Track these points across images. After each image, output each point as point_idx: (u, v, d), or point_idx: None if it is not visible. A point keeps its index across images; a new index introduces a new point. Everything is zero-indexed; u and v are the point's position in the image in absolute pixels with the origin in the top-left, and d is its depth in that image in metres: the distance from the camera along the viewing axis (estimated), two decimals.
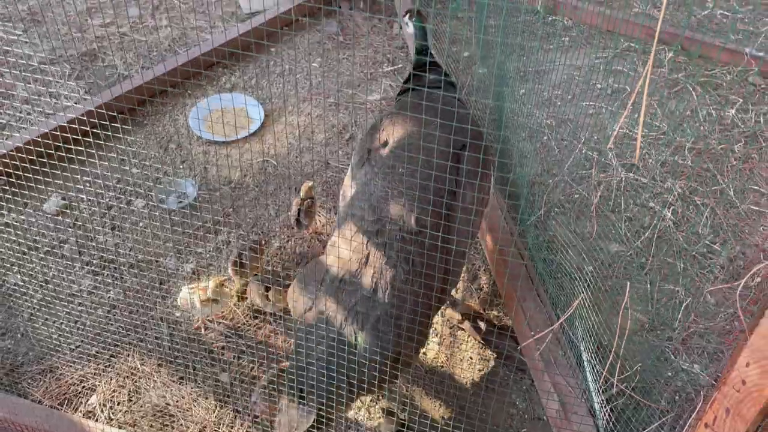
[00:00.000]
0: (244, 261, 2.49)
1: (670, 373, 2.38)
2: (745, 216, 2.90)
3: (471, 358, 2.47)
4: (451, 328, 2.54)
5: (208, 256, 2.77)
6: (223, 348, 2.44)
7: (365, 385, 1.90)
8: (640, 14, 4.12)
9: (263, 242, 2.63)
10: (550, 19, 4.07)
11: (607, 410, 2.02)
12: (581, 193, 2.97)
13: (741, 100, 3.45)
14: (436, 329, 2.53)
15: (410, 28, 2.51)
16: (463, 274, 2.70)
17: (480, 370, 2.44)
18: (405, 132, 2.19)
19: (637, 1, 4.25)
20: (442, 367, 2.44)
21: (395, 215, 2.01)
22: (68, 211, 2.91)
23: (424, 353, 2.46)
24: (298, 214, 2.73)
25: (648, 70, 1.22)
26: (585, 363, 2.13)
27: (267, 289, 2.47)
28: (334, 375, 1.87)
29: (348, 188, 2.20)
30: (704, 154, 3.17)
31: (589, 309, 2.10)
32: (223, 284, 2.42)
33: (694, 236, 2.82)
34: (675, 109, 3.42)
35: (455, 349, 2.48)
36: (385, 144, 2.20)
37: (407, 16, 2.51)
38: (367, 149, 2.22)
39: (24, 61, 3.57)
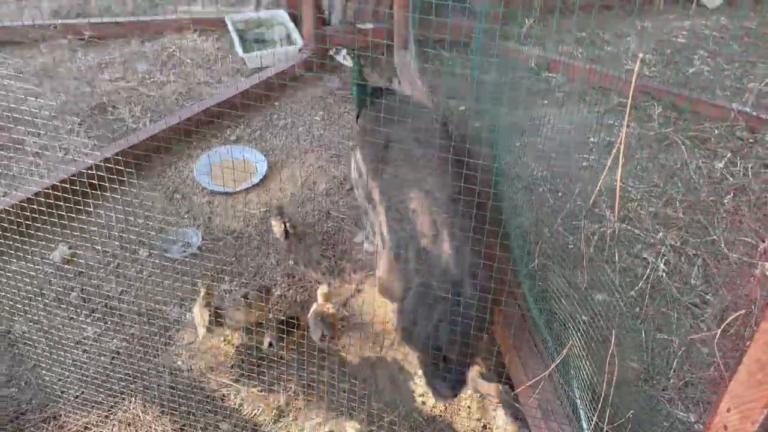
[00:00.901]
0: (250, 300, 2.55)
1: (666, 423, 2.41)
2: (736, 266, 2.97)
3: (469, 407, 2.50)
4: None
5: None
6: (223, 397, 2.47)
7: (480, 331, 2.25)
8: (630, 71, 4.28)
9: (268, 289, 2.69)
10: (543, 75, 4.23)
11: None
12: (575, 243, 3.05)
13: (729, 153, 3.57)
14: None
15: (348, 62, 2.75)
16: None
17: (478, 419, 2.46)
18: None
19: (627, 58, 4.43)
20: (441, 416, 2.47)
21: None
22: (74, 259, 2.97)
23: (423, 402, 2.49)
24: (285, 231, 2.96)
25: (623, 129, 1.31)
26: (580, 411, 2.16)
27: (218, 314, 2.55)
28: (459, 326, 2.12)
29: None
30: (695, 206, 3.26)
31: (583, 357, 2.15)
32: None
33: (686, 286, 2.88)
34: (665, 162, 3.53)
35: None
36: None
37: (345, 51, 2.74)
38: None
39: (36, 113, 3.69)
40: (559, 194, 3.34)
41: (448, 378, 2.22)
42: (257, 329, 2.54)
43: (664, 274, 2.92)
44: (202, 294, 2.57)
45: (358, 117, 3.08)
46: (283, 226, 2.98)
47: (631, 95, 1.49)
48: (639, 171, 3.46)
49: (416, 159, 2.49)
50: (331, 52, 2.89)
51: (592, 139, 3.75)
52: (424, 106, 3.01)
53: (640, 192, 3.34)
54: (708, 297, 2.83)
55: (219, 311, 2.58)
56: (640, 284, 2.86)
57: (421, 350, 2.29)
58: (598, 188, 2.49)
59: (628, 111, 1.35)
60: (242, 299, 2.56)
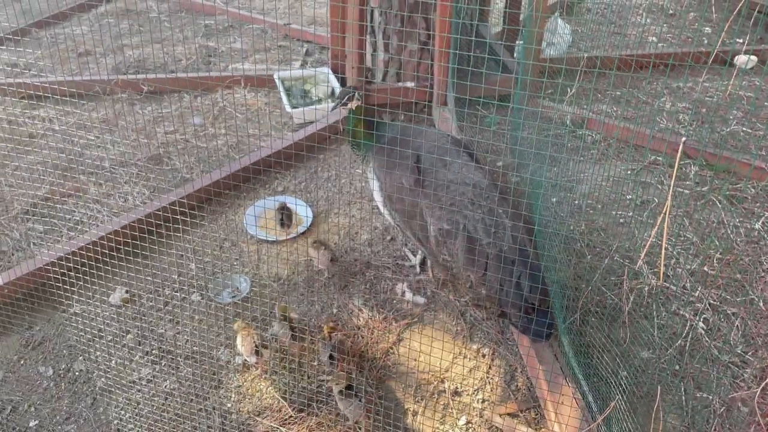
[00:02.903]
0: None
1: None
2: None
3: None
4: (489, 429, 2.62)
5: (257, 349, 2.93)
6: None
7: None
8: (665, 130, 4.38)
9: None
10: (579, 132, 4.36)
11: None
12: (613, 299, 3.10)
13: (767, 213, 3.61)
14: (474, 429, 2.62)
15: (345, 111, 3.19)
16: (500, 377, 2.81)
17: None
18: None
19: (662, 117, 4.53)
20: None
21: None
22: (131, 303, 3.13)
23: None
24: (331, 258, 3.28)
25: (670, 191, 1.41)
26: None
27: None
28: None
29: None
30: (733, 265, 3.29)
31: (625, 413, 2.19)
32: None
33: (725, 345, 2.90)
34: (703, 221, 3.58)
35: None
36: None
37: (347, 98, 3.11)
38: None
39: (97, 163, 3.94)
40: (597, 250, 3.41)
41: (539, 323, 2.70)
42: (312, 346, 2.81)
43: (703, 332, 2.95)
44: (238, 326, 2.86)
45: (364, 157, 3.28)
46: (325, 251, 3.25)
47: (677, 164, 1.59)
48: (675, 228, 3.52)
49: (446, 163, 2.98)
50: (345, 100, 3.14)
51: (628, 196, 3.84)
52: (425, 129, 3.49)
53: (676, 249, 3.40)
54: (748, 356, 2.84)
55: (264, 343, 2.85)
56: (679, 341, 2.89)
57: (512, 306, 2.74)
58: (646, 248, 2.57)
59: (674, 176, 1.44)
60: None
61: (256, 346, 2.81)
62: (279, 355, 2.84)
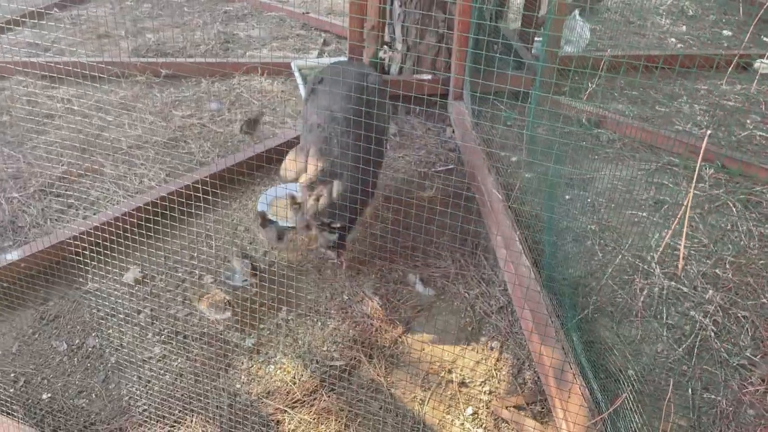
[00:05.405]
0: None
1: None
2: None
3: None
4: (495, 419, 2.64)
5: (267, 332, 2.96)
6: (278, 422, 2.58)
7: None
8: (681, 131, 4.36)
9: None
10: (595, 131, 4.35)
11: None
12: (624, 297, 3.11)
13: None
14: (480, 420, 2.63)
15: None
16: (507, 369, 2.83)
17: None
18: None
19: (678, 118, 4.52)
20: None
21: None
22: (144, 283, 3.16)
23: None
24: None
25: (689, 194, 1.42)
26: None
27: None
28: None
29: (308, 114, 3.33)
30: (745, 268, 3.29)
31: (633, 410, 2.20)
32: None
33: (735, 348, 2.90)
34: (716, 224, 3.57)
35: None
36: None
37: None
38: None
39: (114, 144, 3.97)
40: (608, 248, 3.41)
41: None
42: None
43: (712, 334, 2.95)
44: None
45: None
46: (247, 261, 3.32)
47: (698, 167, 1.59)
48: (688, 230, 3.51)
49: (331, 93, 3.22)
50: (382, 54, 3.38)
51: (642, 196, 3.83)
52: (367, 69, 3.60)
53: (688, 250, 3.39)
54: (757, 359, 2.84)
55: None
56: (688, 341, 2.89)
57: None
58: (662, 246, 2.57)
59: (695, 180, 1.45)
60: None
61: (221, 302, 2.94)
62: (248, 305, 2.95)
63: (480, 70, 3.91)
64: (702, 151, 1.97)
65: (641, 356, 2.81)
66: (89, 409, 2.61)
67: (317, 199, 3.05)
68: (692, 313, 3.06)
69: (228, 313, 2.98)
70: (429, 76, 4.59)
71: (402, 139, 4.30)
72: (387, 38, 4.67)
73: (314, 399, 2.67)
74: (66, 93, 4.58)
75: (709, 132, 2.24)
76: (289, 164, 3.24)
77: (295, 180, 3.19)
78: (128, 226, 3.31)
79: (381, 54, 3.61)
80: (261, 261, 3.33)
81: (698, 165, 1.46)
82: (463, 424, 2.63)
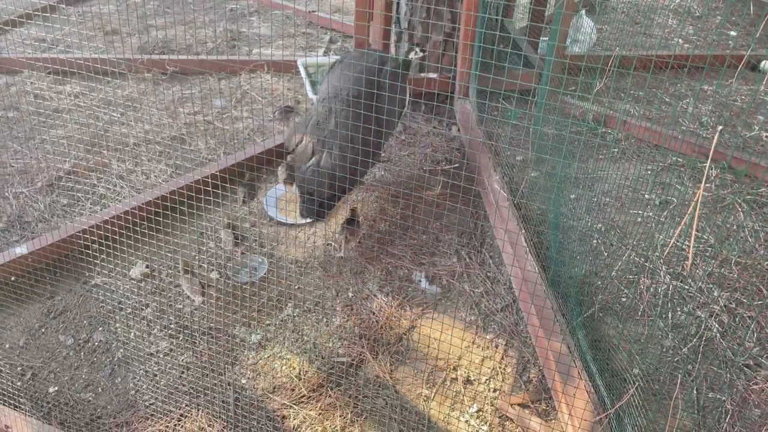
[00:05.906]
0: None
1: None
2: None
3: None
4: (500, 417, 2.65)
5: (273, 328, 2.97)
6: (283, 417, 2.59)
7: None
8: (687, 131, 4.36)
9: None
10: (600, 131, 4.35)
11: None
12: (629, 296, 3.11)
13: None
14: (485, 417, 2.64)
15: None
16: (512, 367, 2.83)
17: None
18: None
19: (684, 118, 4.51)
20: None
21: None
22: (151, 278, 3.18)
23: None
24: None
25: (699, 193, 1.42)
26: None
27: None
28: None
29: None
30: (750, 269, 3.28)
31: (638, 409, 2.21)
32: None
33: (740, 348, 2.89)
34: (722, 224, 3.57)
35: None
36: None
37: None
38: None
39: (121, 140, 3.98)
40: (613, 247, 3.41)
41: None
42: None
43: (717, 334, 2.95)
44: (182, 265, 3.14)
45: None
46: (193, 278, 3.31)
47: (708, 165, 1.60)
48: (694, 229, 3.51)
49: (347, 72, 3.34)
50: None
51: (646, 196, 3.83)
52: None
53: (694, 250, 3.39)
54: (762, 360, 2.84)
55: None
56: (693, 341, 2.89)
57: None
58: (669, 246, 2.57)
59: (704, 178, 1.45)
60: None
61: (201, 286, 3.06)
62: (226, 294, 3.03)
63: (486, 65, 3.91)
64: (713, 148, 1.97)
65: (647, 355, 2.81)
66: (96, 402, 2.62)
67: (305, 148, 3.22)
68: (698, 312, 3.06)
69: (200, 298, 3.05)
70: (435, 75, 4.59)
71: (408, 137, 4.30)
72: (393, 37, 4.67)
73: (320, 395, 2.68)
74: (73, 88, 4.59)
75: (720, 128, 2.23)
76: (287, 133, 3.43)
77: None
78: (136, 220, 3.32)
79: (411, 56, 3.74)
80: (246, 232, 3.37)
81: (708, 163, 1.46)
82: (467, 421, 2.63)
